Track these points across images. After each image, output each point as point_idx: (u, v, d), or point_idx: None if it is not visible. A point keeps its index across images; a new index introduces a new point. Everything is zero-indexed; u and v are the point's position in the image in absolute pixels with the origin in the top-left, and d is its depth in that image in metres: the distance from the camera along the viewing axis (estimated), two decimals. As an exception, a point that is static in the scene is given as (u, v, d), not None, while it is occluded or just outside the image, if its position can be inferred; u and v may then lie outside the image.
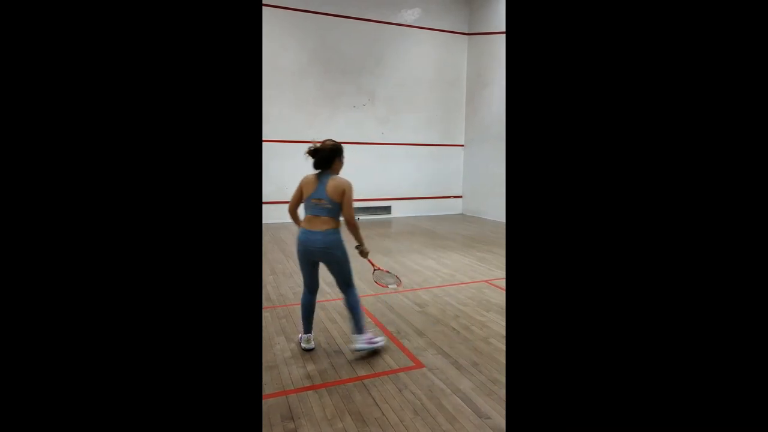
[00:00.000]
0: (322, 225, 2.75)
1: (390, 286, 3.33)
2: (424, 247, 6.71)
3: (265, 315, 3.71)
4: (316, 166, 2.81)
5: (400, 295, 4.33)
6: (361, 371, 2.76)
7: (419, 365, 2.85)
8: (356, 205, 9.55)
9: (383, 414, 2.30)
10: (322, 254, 2.79)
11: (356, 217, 2.92)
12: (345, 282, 2.90)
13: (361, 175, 9.59)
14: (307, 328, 3.08)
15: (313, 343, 3.09)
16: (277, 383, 2.60)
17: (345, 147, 2.93)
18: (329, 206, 2.74)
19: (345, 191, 2.73)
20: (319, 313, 3.71)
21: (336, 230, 2.79)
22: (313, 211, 2.77)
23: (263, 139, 8.24)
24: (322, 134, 9.27)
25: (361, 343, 2.93)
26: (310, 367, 2.80)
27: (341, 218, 2.81)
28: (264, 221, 8.29)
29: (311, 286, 2.99)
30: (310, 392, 2.51)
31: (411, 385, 2.59)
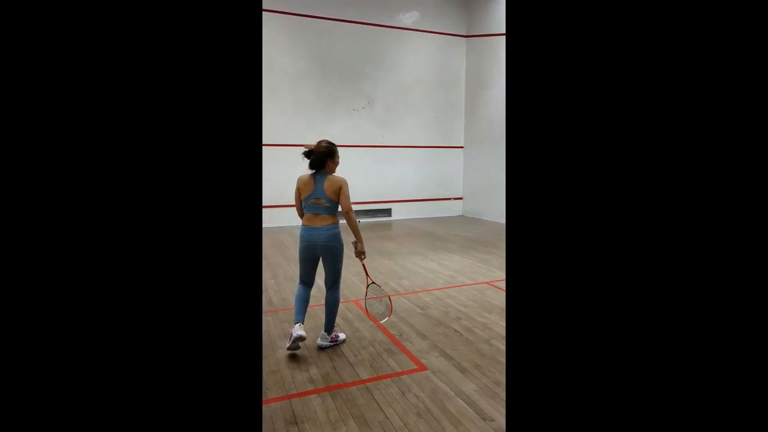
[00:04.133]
0: (323, 221, 2.93)
1: (382, 321, 3.32)
2: (425, 249, 6.70)
3: (268, 319, 3.71)
4: (311, 166, 2.96)
5: (402, 297, 4.32)
6: (365, 374, 2.75)
7: (422, 368, 2.84)
8: (356, 208, 9.59)
9: (387, 417, 2.29)
10: (323, 248, 2.95)
11: (357, 220, 3.03)
12: (334, 279, 3.06)
13: (361, 177, 9.59)
14: (301, 318, 3.07)
15: (304, 331, 3.14)
16: (280, 387, 2.59)
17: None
18: (327, 204, 2.91)
19: (341, 188, 2.91)
20: (323, 317, 3.71)
21: (336, 225, 2.98)
22: (313, 210, 2.94)
23: (263, 143, 8.24)
24: (321, 138, 9.29)
25: (325, 341, 3.15)
26: (313, 371, 2.80)
27: (339, 214, 2.96)
28: (265, 225, 8.29)
29: (308, 281, 3.11)
30: (313, 396, 2.50)
31: (414, 388, 2.58)
